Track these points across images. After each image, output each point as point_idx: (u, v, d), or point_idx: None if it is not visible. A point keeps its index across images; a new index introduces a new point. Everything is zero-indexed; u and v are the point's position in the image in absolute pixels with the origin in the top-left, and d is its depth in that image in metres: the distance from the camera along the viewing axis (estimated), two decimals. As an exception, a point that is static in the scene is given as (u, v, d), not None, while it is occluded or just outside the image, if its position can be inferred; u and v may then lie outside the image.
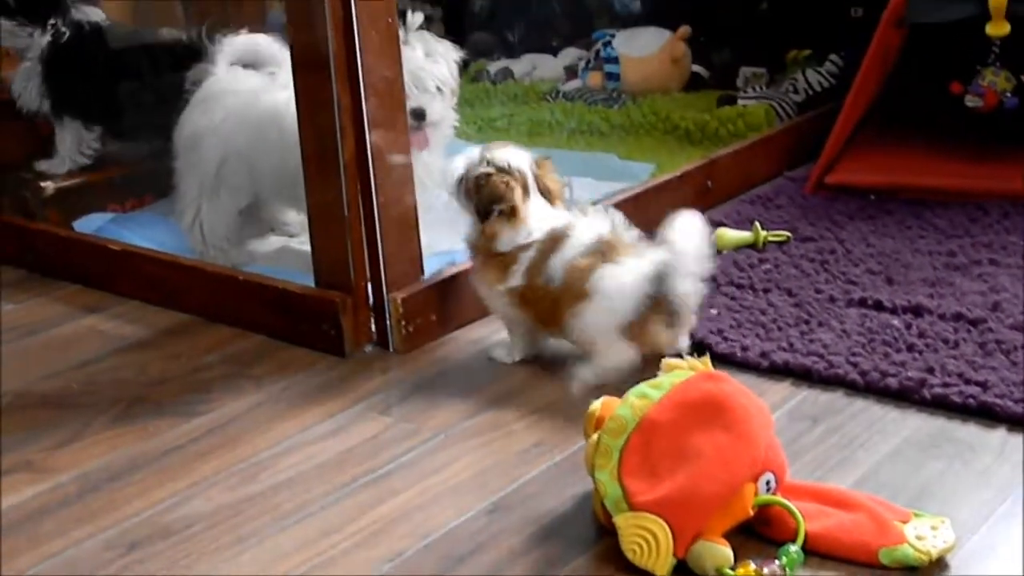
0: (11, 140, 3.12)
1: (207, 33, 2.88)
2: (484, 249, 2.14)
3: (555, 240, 2.09)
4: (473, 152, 2.16)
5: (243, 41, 2.73)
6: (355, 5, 2.15)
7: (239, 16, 3.98)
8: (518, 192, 2.10)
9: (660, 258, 1.98)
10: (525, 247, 2.10)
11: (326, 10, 2.16)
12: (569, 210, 2.17)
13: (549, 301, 2.07)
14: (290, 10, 2.27)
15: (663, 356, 1.76)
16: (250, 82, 2.65)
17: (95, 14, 3.03)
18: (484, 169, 2.11)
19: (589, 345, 2.07)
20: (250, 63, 2.72)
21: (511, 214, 2.10)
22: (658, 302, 1.98)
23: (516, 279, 2.10)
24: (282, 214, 2.83)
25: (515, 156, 2.14)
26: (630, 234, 2.08)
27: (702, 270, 1.98)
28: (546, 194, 2.15)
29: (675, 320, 2.00)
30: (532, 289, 2.09)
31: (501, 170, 2.11)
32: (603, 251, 2.05)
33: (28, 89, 3.00)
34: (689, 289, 1.98)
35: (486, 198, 2.10)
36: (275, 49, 2.69)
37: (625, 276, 2.01)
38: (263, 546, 1.69)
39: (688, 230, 1.96)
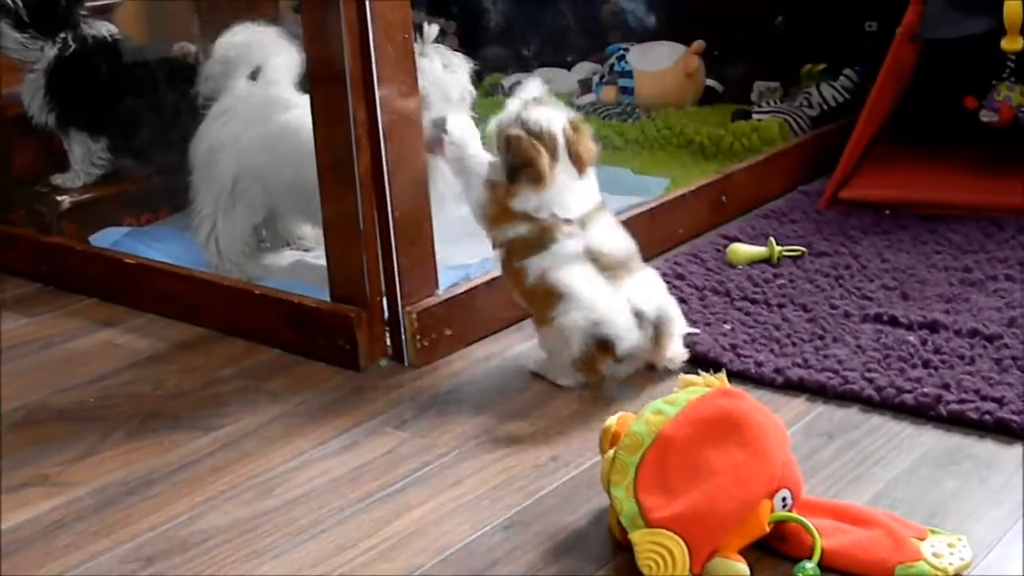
0: (27, 154, 3.13)
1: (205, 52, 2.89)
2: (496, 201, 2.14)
3: (546, 230, 2.11)
4: (511, 107, 2.16)
5: (230, 42, 2.72)
6: (371, 19, 2.16)
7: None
8: (544, 159, 2.09)
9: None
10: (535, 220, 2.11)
11: (342, 24, 2.16)
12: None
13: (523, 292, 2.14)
14: (306, 24, 2.28)
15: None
16: (267, 96, 2.65)
17: (105, 28, 3.04)
18: (515, 131, 2.11)
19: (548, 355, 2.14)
20: (244, 62, 2.71)
21: (536, 179, 2.09)
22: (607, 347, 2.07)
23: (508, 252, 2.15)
24: (297, 228, 2.83)
25: (549, 118, 2.13)
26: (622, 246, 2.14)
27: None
28: (575, 160, 2.14)
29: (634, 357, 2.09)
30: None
31: (532, 133, 2.10)
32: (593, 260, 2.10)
33: (33, 101, 3.01)
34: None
35: (514, 160, 2.10)
36: (266, 41, 2.67)
37: (579, 316, 2.07)
38: (279, 560, 1.70)
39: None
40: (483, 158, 2.18)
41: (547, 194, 2.10)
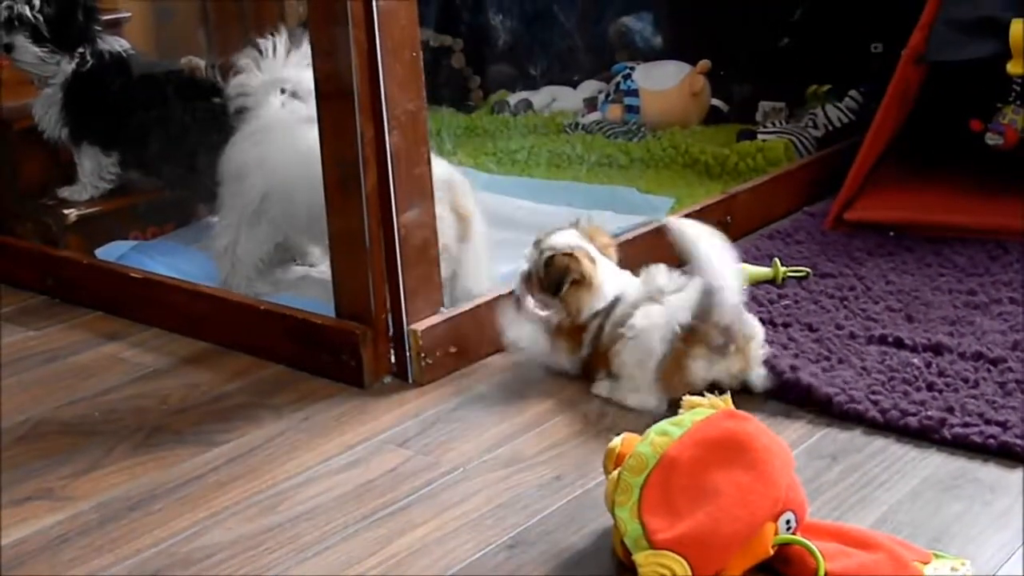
0: (33, 167, 3.14)
1: (219, 69, 2.89)
2: (566, 324, 2.19)
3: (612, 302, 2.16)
4: (528, 251, 2.24)
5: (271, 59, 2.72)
6: (379, 37, 2.16)
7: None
8: (585, 263, 2.17)
9: (698, 286, 2.04)
10: (598, 313, 2.17)
11: (350, 41, 2.17)
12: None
13: (601, 356, 2.15)
14: (314, 40, 2.29)
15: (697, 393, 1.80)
16: (300, 115, 2.65)
17: (119, 43, 3.05)
18: (546, 254, 2.19)
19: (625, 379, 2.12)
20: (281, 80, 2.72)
21: (583, 283, 2.16)
22: (698, 331, 2.03)
23: (586, 348, 2.18)
24: (307, 247, 2.83)
25: (567, 237, 2.21)
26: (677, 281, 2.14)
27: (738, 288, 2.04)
28: (605, 253, 2.23)
29: (726, 345, 2.04)
30: (596, 352, 2.16)
31: (560, 251, 2.18)
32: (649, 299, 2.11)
33: (48, 116, 3.02)
34: (734, 304, 2.03)
35: (554, 274, 2.17)
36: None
37: (655, 314, 2.07)
38: (282, 578, 1.70)
39: (717, 254, 2.03)
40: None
41: (600, 294, 2.17)
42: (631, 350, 2.09)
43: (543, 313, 2.22)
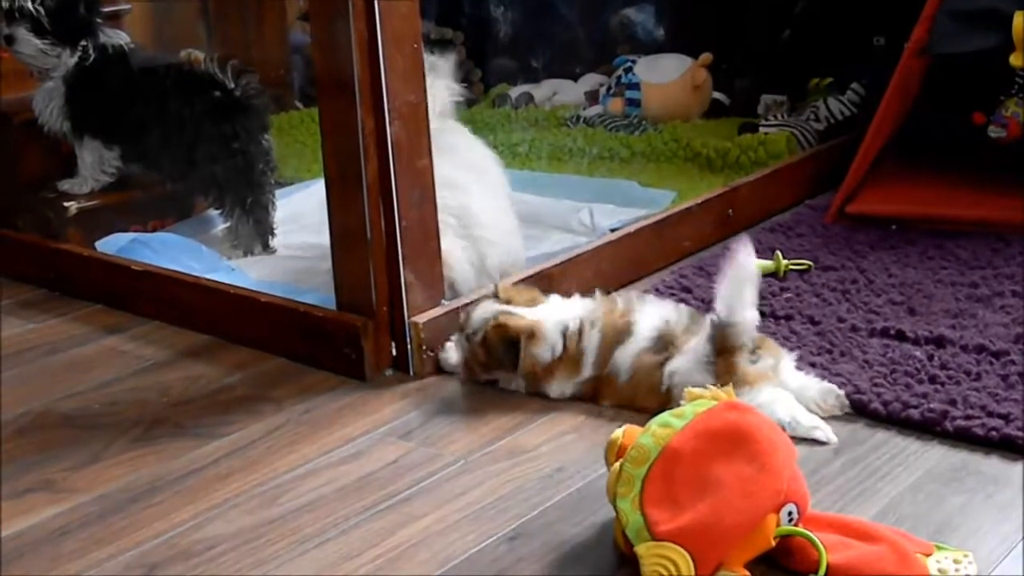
0: (34, 159, 3.14)
1: (218, 63, 2.89)
2: (539, 372, 2.14)
3: (617, 332, 2.10)
4: (455, 343, 2.22)
5: None
6: (380, 29, 2.16)
7: (260, 37, 4.01)
8: (516, 321, 2.12)
9: (710, 321, 1.99)
10: (575, 335, 2.11)
11: (351, 33, 2.16)
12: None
13: (620, 393, 2.09)
14: (315, 33, 2.28)
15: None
16: None
17: (120, 37, 3.04)
18: (479, 336, 2.14)
19: None
20: None
21: (531, 337, 2.11)
22: (723, 349, 1.96)
23: (587, 369, 2.11)
24: None
25: (481, 312, 2.16)
26: (684, 316, 2.10)
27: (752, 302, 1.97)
28: (533, 305, 2.17)
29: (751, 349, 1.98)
30: (602, 379, 2.11)
31: (496, 325, 2.13)
32: (666, 344, 2.06)
33: (49, 109, 3.01)
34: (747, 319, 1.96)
35: (500, 349, 2.12)
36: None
37: (687, 362, 2.01)
38: (283, 570, 1.69)
39: (737, 273, 1.95)
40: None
41: (549, 338, 2.11)
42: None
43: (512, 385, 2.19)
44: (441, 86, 2.78)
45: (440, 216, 2.33)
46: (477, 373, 2.19)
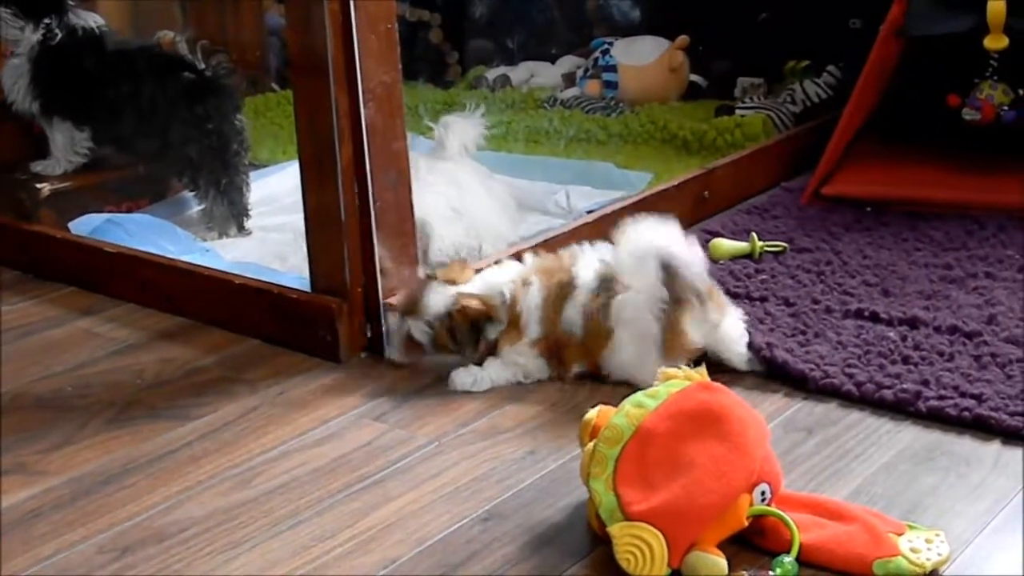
0: (6, 140, 3.12)
1: (190, 47, 2.88)
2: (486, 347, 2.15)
3: (561, 287, 2.09)
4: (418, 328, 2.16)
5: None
6: (354, 10, 2.15)
7: (236, 19, 3.99)
8: (476, 304, 2.11)
9: (655, 254, 2.00)
10: (513, 301, 2.11)
11: (325, 14, 2.15)
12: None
13: (575, 348, 2.09)
14: (289, 14, 2.27)
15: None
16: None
17: (93, 19, 3.02)
18: (442, 315, 2.13)
19: (631, 379, 2.05)
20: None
21: (490, 319, 2.11)
22: (676, 299, 2.00)
23: (533, 330, 2.10)
24: None
25: (436, 300, 2.13)
26: (624, 255, 2.09)
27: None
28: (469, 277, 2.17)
29: (700, 302, 2.02)
30: (556, 337, 2.10)
31: (459, 312, 2.11)
32: (608, 284, 2.06)
33: (16, 88, 2.99)
34: (694, 262, 2.01)
35: (464, 335, 2.12)
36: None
37: (638, 298, 2.02)
38: (257, 551, 1.69)
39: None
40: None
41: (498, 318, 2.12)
42: (631, 339, 2.05)
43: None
44: (467, 125, 2.80)
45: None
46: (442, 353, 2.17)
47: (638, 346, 2.04)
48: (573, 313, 2.08)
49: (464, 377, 2.12)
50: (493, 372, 2.13)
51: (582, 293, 2.08)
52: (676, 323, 2.01)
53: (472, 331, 2.11)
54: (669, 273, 1.99)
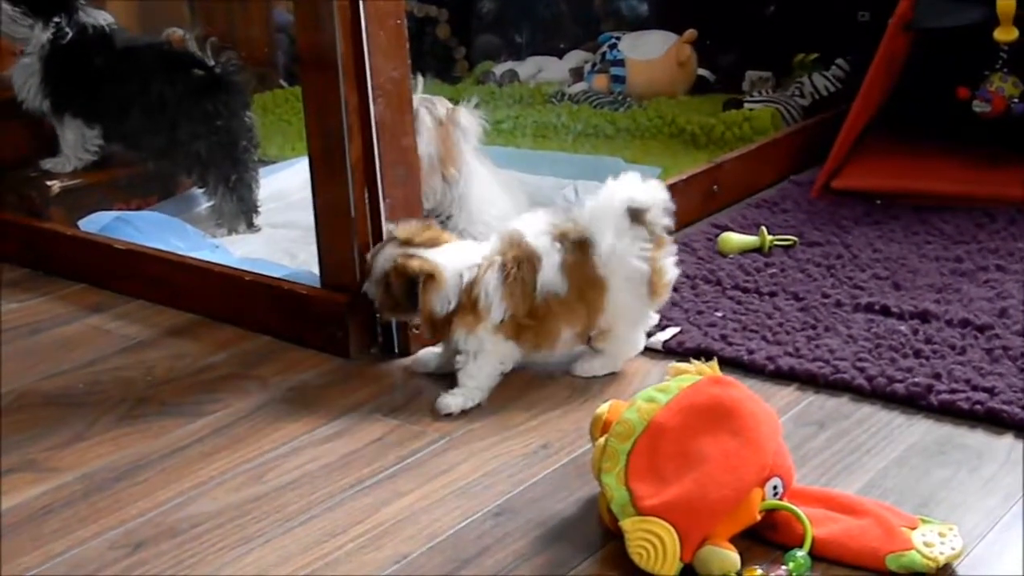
0: (16, 138, 3.12)
1: (199, 44, 2.89)
2: (437, 321, 2.09)
3: (522, 263, 2.05)
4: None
5: None
6: (363, 5, 2.14)
7: (245, 16, 3.99)
8: (415, 263, 2.05)
9: (621, 200, 2.05)
10: (472, 284, 2.05)
11: (334, 10, 2.15)
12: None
13: (563, 309, 2.06)
14: (298, 10, 2.27)
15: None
16: None
17: (103, 17, 3.02)
18: (383, 271, 2.09)
19: (617, 330, 2.10)
20: None
21: (429, 279, 2.04)
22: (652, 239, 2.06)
23: (497, 312, 2.05)
24: None
25: (382, 260, 2.10)
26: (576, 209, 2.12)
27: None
28: (438, 242, 2.12)
29: (663, 240, 2.09)
30: (532, 311, 2.06)
31: (396, 266, 2.07)
32: (574, 238, 2.06)
33: (27, 86, 2.99)
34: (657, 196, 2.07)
35: (400, 294, 2.07)
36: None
37: (621, 245, 2.04)
38: (268, 547, 1.69)
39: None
40: None
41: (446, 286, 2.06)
42: (625, 286, 2.06)
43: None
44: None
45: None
46: (386, 315, 2.17)
47: (628, 289, 2.06)
48: (549, 275, 2.04)
49: (451, 400, 2.04)
50: (473, 380, 2.06)
51: (547, 256, 2.05)
52: (656, 261, 2.07)
53: (409, 290, 2.05)
54: (638, 214, 2.04)
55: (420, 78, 2.65)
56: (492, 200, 2.69)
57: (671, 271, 2.12)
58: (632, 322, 2.12)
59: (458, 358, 2.08)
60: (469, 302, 2.05)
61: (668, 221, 2.09)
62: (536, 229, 2.09)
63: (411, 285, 2.05)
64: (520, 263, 2.05)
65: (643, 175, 2.92)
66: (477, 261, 2.07)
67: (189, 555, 1.68)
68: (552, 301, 2.05)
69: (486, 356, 2.07)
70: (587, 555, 1.62)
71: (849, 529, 1.58)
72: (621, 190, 2.06)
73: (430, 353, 2.19)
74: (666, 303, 2.20)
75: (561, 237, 2.06)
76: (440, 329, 2.09)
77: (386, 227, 2.16)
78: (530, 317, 2.06)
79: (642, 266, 2.05)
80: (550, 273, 2.04)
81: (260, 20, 4.09)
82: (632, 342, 2.15)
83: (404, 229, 2.11)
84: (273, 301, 2.38)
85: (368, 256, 2.17)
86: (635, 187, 2.06)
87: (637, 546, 1.53)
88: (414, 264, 2.05)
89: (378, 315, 2.21)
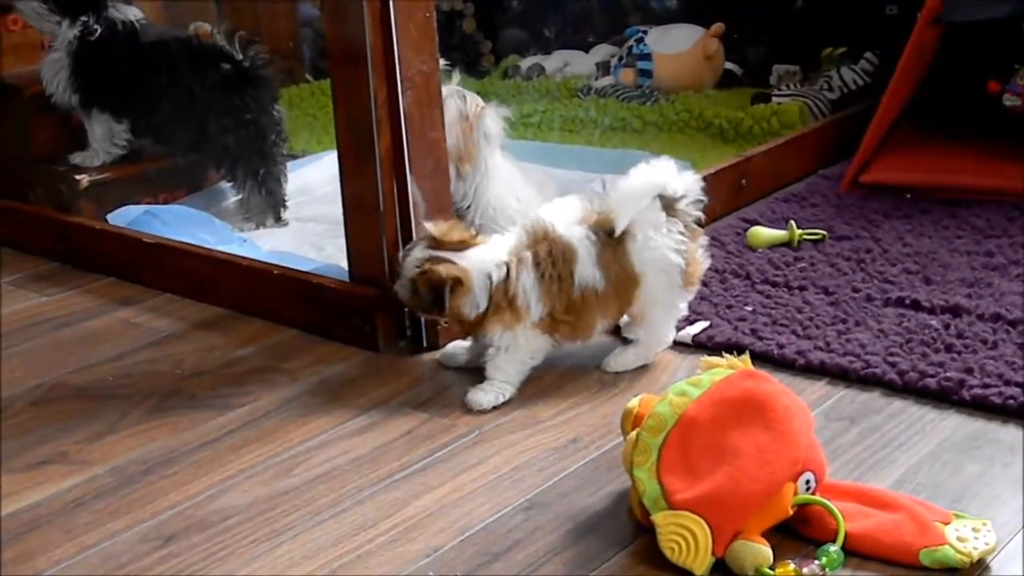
0: (46, 133, 3.13)
1: (227, 38, 2.89)
2: (467, 322, 2.08)
3: (563, 252, 2.04)
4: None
5: None
6: (392, -1, 2.15)
7: (270, 10, 4.00)
8: (442, 268, 2.02)
9: (653, 189, 2.04)
10: (504, 282, 2.03)
11: (363, 4, 2.15)
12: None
13: (600, 303, 2.06)
14: (327, 3, 2.27)
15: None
16: None
17: (132, 13, 3.03)
18: (410, 276, 2.06)
19: (650, 318, 2.11)
20: None
21: (456, 285, 2.02)
22: (690, 228, 2.08)
23: (536, 310, 2.04)
24: None
25: (410, 261, 2.07)
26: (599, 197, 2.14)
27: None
28: (469, 244, 2.08)
29: (696, 231, 2.10)
30: (570, 306, 2.05)
31: (422, 272, 2.04)
32: (606, 228, 2.05)
33: (56, 81, 3.00)
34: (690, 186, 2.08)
35: (426, 298, 2.04)
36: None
37: (657, 237, 2.04)
38: (299, 540, 1.69)
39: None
40: None
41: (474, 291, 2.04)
42: (659, 278, 2.06)
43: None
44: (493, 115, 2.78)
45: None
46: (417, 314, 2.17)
47: (662, 280, 2.07)
48: (588, 271, 2.04)
49: (481, 396, 2.04)
50: (503, 374, 2.06)
51: (586, 250, 2.04)
52: (690, 252, 2.08)
53: (435, 296, 2.03)
54: (670, 203, 2.04)
55: (455, 72, 2.63)
56: (517, 195, 2.68)
57: (704, 262, 2.13)
58: (665, 311, 2.12)
59: (488, 351, 2.07)
60: (506, 301, 2.03)
61: (699, 212, 2.09)
62: (567, 219, 2.08)
63: (438, 290, 2.03)
64: (555, 259, 2.04)
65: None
66: (504, 258, 2.05)
67: (220, 548, 1.69)
68: (589, 295, 2.05)
69: (517, 351, 2.06)
70: (618, 549, 1.62)
71: (882, 524, 1.58)
72: (654, 176, 2.05)
73: (459, 347, 2.19)
74: (695, 297, 2.20)
75: (596, 227, 2.06)
76: (471, 328, 2.09)
77: (423, 225, 2.14)
78: (567, 312, 2.06)
79: (677, 259, 2.05)
80: (587, 267, 2.04)
81: (286, 14, 4.09)
82: (664, 331, 2.14)
83: (435, 228, 2.09)
84: (301, 295, 2.38)
85: (399, 257, 2.15)
86: (669, 175, 2.06)
87: (669, 540, 1.53)
88: (440, 270, 2.02)
89: (407, 310, 2.21)
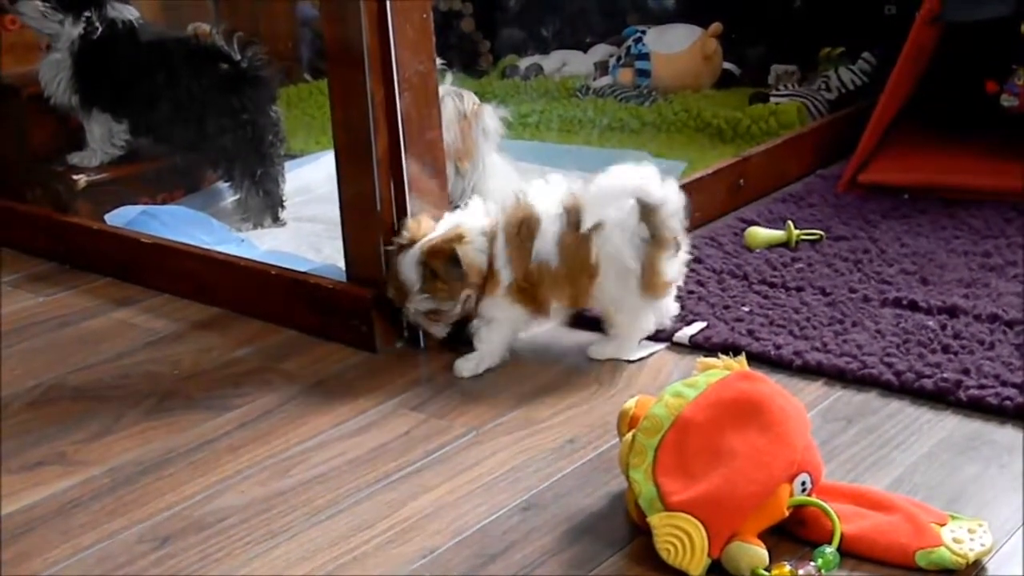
0: (43, 132, 3.12)
1: (226, 38, 2.89)
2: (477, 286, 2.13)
3: (524, 225, 2.09)
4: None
5: None
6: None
7: (269, 10, 4.00)
8: (440, 238, 2.10)
9: (633, 191, 2.04)
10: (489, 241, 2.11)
11: (360, 4, 2.15)
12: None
13: (553, 280, 2.10)
14: (324, 3, 2.27)
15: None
16: None
17: (129, 12, 3.03)
18: (418, 264, 2.11)
19: (616, 320, 2.14)
20: None
21: (462, 242, 2.09)
22: (655, 237, 2.06)
23: (506, 274, 2.10)
24: None
25: (410, 258, 2.12)
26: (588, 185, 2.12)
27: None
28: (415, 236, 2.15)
29: (675, 242, 2.08)
30: (527, 275, 2.10)
31: (430, 251, 2.10)
32: (576, 216, 2.06)
33: (56, 81, 3.00)
34: (670, 197, 2.06)
35: (448, 271, 2.10)
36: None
37: (615, 233, 2.05)
38: (295, 541, 1.69)
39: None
40: None
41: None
42: (612, 275, 2.08)
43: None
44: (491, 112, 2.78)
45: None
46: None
47: (618, 282, 2.08)
48: (545, 245, 2.08)
49: (463, 363, 2.14)
50: (487, 343, 2.14)
51: (549, 224, 2.08)
52: (654, 260, 2.07)
53: (452, 263, 2.09)
54: (647, 210, 2.04)
55: (449, 72, 2.64)
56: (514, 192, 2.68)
57: (670, 272, 2.11)
58: (628, 313, 2.13)
59: (474, 322, 2.13)
60: (490, 271, 2.11)
61: (679, 222, 2.08)
62: (546, 194, 2.12)
63: (452, 257, 2.08)
64: (521, 226, 2.09)
65: (667, 170, 2.95)
66: (484, 223, 2.12)
67: (216, 549, 1.69)
68: (544, 269, 2.09)
69: (499, 322, 2.12)
70: (614, 551, 1.62)
71: (878, 525, 1.58)
72: (631, 179, 2.06)
73: (467, 359, 2.18)
74: (693, 297, 2.20)
75: (570, 210, 2.08)
76: (478, 294, 2.12)
77: (400, 234, 2.18)
78: (525, 280, 2.10)
79: (632, 262, 2.06)
80: (546, 243, 2.08)
81: (284, 15, 4.09)
82: (631, 332, 2.16)
83: (408, 232, 2.15)
84: (299, 295, 2.38)
85: (391, 267, 2.18)
86: (648, 181, 2.06)
87: (665, 542, 1.53)
88: (438, 241, 2.10)
89: (404, 315, 2.22)
